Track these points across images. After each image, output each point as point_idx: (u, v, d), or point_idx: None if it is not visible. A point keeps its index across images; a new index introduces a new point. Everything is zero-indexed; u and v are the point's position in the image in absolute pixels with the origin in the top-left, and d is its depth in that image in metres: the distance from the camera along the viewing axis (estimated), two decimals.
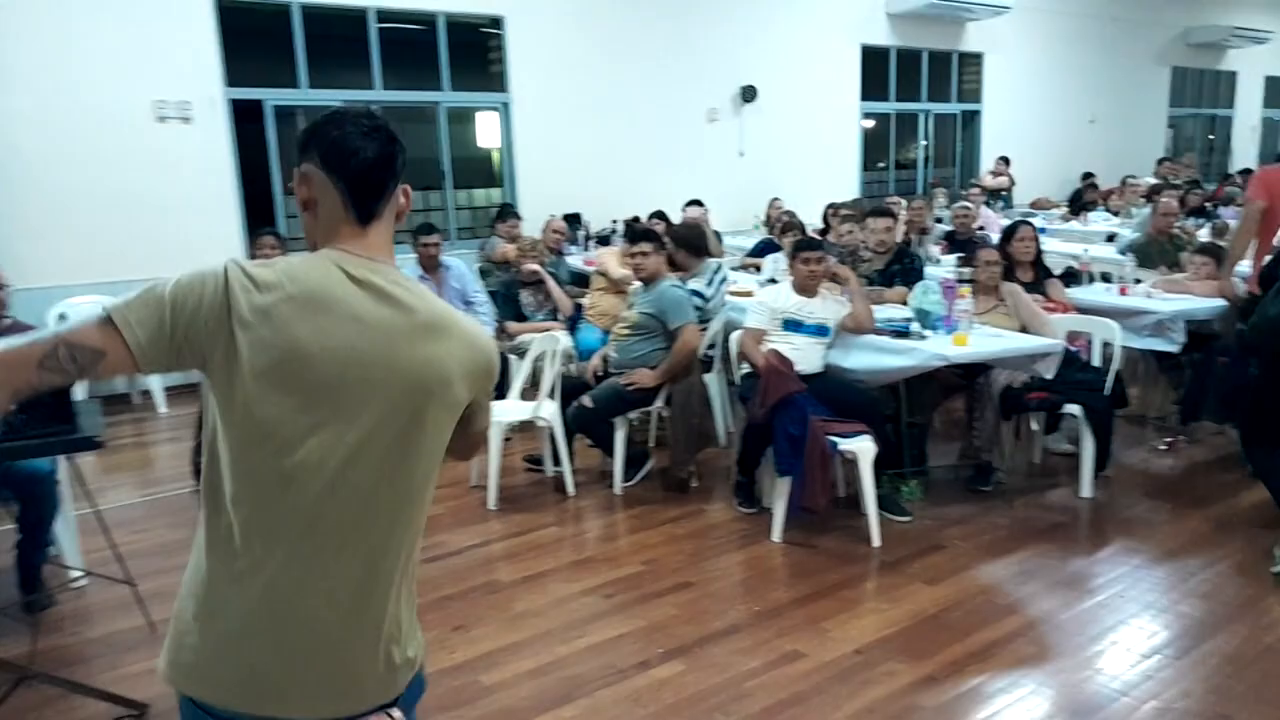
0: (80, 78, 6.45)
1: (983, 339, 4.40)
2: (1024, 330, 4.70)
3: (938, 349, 4.24)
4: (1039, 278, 5.37)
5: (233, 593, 1.34)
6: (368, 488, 1.36)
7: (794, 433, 4.04)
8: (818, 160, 10.68)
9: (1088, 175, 12.47)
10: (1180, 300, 5.31)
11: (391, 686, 1.43)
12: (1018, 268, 5.31)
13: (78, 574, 3.83)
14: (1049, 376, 4.41)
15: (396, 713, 1.43)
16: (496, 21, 8.43)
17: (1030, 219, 6.85)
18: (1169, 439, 5.31)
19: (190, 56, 6.90)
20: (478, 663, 3.18)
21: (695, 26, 9.51)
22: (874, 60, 11.31)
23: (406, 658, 1.45)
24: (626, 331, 4.84)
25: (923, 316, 4.57)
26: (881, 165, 12.33)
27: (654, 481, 4.87)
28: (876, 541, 4.04)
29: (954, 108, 12.55)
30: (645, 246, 4.81)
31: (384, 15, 7.85)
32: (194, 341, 1.29)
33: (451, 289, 5.87)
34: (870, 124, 11.75)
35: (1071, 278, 6.36)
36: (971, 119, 12.79)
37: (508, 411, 4.74)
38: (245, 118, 7.29)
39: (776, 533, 4.14)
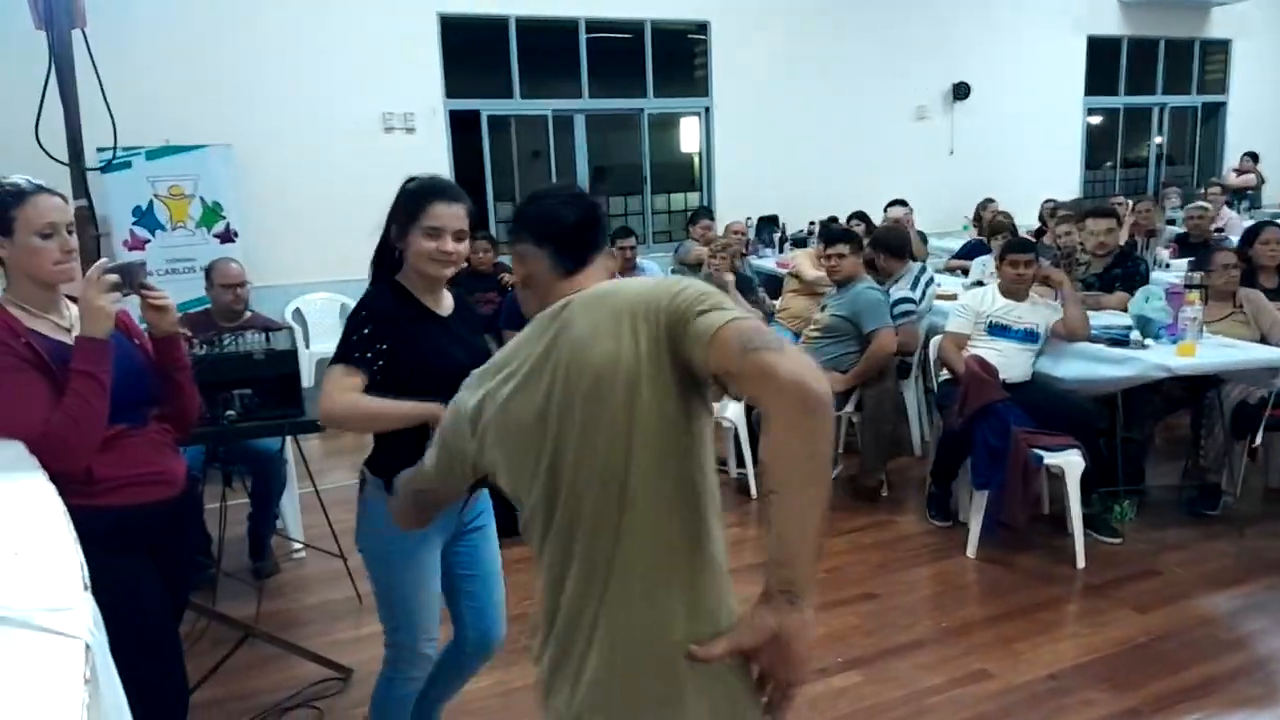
0: (318, 91, 7.03)
1: (1213, 349, 4.01)
2: (1264, 341, 4.25)
3: (1160, 359, 3.89)
4: None
5: None
6: (592, 505, 1.35)
7: (994, 444, 3.85)
8: (1035, 159, 10.09)
9: None
10: None
11: None
12: (1261, 273, 4.81)
13: (298, 546, 4.21)
14: None
15: None
16: (702, 27, 8.51)
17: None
18: None
19: (415, 70, 7.39)
20: None
21: (905, 24, 9.22)
22: (1102, 51, 10.56)
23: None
24: (817, 334, 4.75)
25: (1143, 324, 4.22)
26: (1109, 164, 11.47)
27: (841, 488, 4.75)
28: (1081, 563, 3.78)
29: (1193, 100, 11.49)
30: (841, 248, 4.71)
31: (593, 25, 8.10)
32: (455, 447, 1.54)
33: None
34: (1096, 120, 10.97)
35: None
36: (1214, 112, 11.67)
37: None
38: (460, 127, 7.73)
39: (971, 548, 3.95)
